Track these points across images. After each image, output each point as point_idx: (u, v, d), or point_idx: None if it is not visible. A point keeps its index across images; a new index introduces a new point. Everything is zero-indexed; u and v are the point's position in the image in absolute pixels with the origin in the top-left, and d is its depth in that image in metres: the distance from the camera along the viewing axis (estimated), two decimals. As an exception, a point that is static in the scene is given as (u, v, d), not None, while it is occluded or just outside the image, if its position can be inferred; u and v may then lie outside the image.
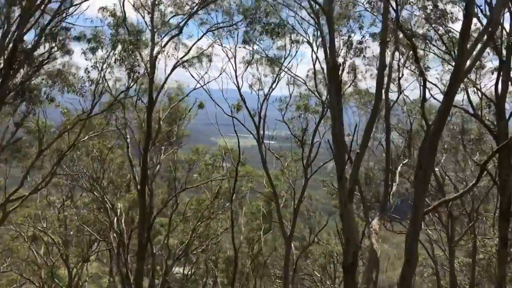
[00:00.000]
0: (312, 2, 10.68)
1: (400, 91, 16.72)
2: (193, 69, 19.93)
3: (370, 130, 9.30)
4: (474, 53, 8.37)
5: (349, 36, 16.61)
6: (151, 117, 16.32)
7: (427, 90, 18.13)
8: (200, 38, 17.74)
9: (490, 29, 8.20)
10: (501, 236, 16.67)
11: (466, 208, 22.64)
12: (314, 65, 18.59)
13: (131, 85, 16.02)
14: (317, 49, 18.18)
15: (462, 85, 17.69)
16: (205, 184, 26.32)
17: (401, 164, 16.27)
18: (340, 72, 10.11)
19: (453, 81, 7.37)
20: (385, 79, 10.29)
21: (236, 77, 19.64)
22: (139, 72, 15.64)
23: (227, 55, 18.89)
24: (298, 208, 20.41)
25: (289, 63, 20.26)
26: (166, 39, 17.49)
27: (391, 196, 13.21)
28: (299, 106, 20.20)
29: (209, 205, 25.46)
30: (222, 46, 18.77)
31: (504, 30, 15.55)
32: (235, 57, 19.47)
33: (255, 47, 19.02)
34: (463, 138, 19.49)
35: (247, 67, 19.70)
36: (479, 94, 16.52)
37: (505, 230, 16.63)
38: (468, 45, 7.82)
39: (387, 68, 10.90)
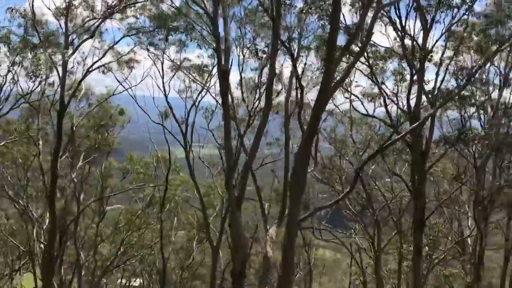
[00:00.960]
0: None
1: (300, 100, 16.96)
2: (121, 74, 19.52)
3: (258, 139, 9.26)
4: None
5: (255, 44, 16.70)
6: (61, 122, 15.69)
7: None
8: (116, 43, 17.38)
9: (364, 41, 8.34)
10: (416, 245, 17.12)
11: (393, 217, 23.18)
12: (240, 72, 18.56)
13: (34, 88, 15.42)
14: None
15: (381, 97, 18.27)
16: (137, 193, 25.74)
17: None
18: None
19: (323, 87, 7.36)
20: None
21: (163, 83, 19.35)
22: (45, 76, 15.07)
23: (153, 61, 18.58)
24: (226, 217, 20.21)
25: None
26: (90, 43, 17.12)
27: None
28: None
29: (139, 215, 24.85)
30: (148, 51, 18.42)
31: (416, 43, 16.10)
32: (162, 63, 19.19)
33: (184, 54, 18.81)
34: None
35: (175, 73, 19.42)
36: (397, 105, 16.97)
37: (419, 239, 17.10)
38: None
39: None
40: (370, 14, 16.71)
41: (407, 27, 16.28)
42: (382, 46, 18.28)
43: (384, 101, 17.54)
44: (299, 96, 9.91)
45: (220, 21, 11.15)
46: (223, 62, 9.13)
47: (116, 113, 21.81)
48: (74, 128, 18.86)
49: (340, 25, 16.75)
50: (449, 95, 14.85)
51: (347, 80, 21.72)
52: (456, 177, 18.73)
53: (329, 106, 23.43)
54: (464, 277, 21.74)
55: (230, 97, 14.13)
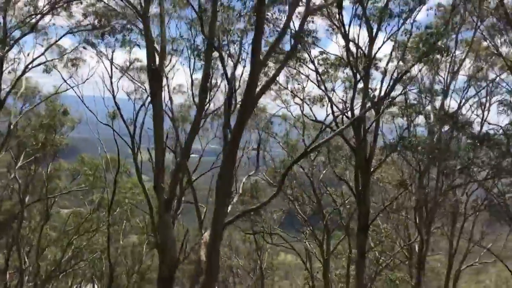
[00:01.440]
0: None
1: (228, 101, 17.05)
2: (68, 73, 19.01)
3: (191, 141, 9.16)
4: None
5: (196, 46, 16.66)
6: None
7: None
8: (57, 40, 16.91)
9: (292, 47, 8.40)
10: (359, 248, 17.40)
11: (343, 222, 23.51)
12: (191, 74, 18.42)
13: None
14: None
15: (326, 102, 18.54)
16: (86, 196, 25.10)
17: (247, 176, 16.48)
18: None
19: (249, 85, 7.31)
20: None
21: (111, 83, 18.93)
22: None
23: (100, 60, 18.14)
24: (173, 220, 19.93)
25: (169, 71, 19.84)
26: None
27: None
28: (176, 118, 19.86)
29: (87, 218, 24.19)
30: (96, 51, 18.00)
31: (361, 51, 16.43)
32: (111, 63, 18.78)
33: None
34: (330, 153, 20.33)
35: (123, 74, 19.04)
36: (341, 111, 17.22)
37: (363, 243, 17.38)
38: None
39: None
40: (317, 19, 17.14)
41: (355, 35, 16.75)
42: (333, 54, 18.64)
43: (331, 107, 17.81)
44: (233, 97, 9.86)
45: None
46: (157, 62, 9.01)
47: (63, 113, 21.12)
48: (11, 126, 18.17)
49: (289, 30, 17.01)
50: (382, 101, 15.15)
51: (298, 86, 22.11)
52: (401, 183, 19.13)
53: (283, 111, 23.82)
54: (409, 281, 22.27)
55: (169, 98, 14.03)
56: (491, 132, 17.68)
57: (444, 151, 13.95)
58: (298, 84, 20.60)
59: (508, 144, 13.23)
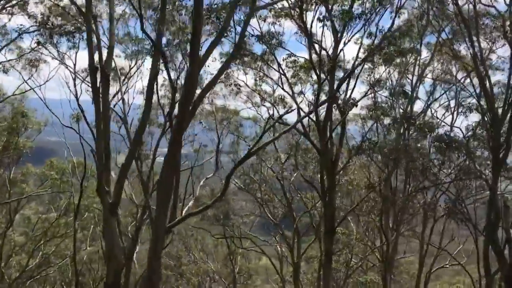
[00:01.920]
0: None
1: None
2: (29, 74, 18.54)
3: (135, 144, 8.90)
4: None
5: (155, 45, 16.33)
6: None
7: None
8: (12, 41, 16.42)
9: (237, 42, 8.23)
10: (326, 251, 17.31)
11: (314, 225, 23.42)
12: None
13: None
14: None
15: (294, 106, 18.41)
16: (53, 201, 24.52)
17: (205, 178, 16.29)
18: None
19: (186, 83, 7.09)
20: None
21: (75, 85, 18.47)
22: None
23: (59, 61, 17.63)
24: (140, 226, 19.60)
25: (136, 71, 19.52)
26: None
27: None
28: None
29: (53, 223, 23.61)
30: (58, 51, 17.53)
31: (326, 53, 16.40)
32: (75, 64, 18.34)
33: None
34: (298, 156, 20.25)
35: (87, 75, 18.58)
36: (305, 113, 17.11)
37: (329, 245, 17.29)
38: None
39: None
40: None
41: (321, 37, 16.71)
42: (301, 57, 18.57)
43: (298, 109, 17.71)
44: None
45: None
46: (103, 60, 8.75)
47: (22, 115, 20.59)
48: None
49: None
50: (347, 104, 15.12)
51: (268, 89, 22.00)
52: (369, 186, 19.09)
53: (254, 113, 23.69)
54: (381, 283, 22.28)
55: (121, 99, 13.73)
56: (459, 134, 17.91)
57: (404, 153, 13.90)
58: (270, 87, 20.57)
59: (467, 146, 13.27)
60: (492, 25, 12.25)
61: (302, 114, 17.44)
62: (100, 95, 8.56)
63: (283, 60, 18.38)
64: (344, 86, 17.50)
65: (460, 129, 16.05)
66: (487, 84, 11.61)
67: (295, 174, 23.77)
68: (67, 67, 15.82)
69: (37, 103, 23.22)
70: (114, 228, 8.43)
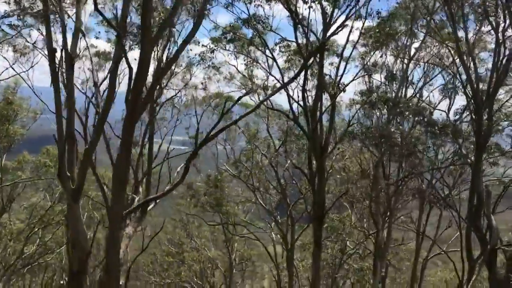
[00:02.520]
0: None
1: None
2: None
3: (99, 128, 8.69)
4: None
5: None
6: None
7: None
8: None
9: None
10: (315, 239, 17.11)
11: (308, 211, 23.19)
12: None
13: None
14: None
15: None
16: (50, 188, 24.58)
17: (182, 164, 16.05)
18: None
19: (138, 72, 6.86)
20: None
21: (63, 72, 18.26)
22: None
23: (33, 45, 17.28)
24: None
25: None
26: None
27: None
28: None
29: (47, 210, 23.65)
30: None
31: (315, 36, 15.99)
32: (62, 50, 18.09)
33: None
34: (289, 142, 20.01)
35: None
36: (292, 98, 16.83)
37: (319, 233, 17.09)
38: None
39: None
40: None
41: (308, 20, 16.29)
42: (292, 41, 18.17)
43: (287, 95, 17.42)
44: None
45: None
46: (64, 44, 8.53)
47: (8, 103, 20.50)
48: None
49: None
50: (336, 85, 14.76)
51: (261, 74, 21.65)
52: (361, 172, 18.81)
53: (246, 99, 23.35)
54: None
55: (94, 84, 13.53)
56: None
57: (388, 138, 13.55)
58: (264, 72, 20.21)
59: (455, 130, 12.89)
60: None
61: (292, 99, 17.18)
62: (63, 79, 8.36)
63: (275, 44, 18.04)
64: (335, 71, 17.22)
65: (446, 113, 15.61)
66: (471, 66, 11.21)
67: (289, 161, 23.55)
68: (40, 52, 15.60)
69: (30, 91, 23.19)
70: (78, 215, 8.28)
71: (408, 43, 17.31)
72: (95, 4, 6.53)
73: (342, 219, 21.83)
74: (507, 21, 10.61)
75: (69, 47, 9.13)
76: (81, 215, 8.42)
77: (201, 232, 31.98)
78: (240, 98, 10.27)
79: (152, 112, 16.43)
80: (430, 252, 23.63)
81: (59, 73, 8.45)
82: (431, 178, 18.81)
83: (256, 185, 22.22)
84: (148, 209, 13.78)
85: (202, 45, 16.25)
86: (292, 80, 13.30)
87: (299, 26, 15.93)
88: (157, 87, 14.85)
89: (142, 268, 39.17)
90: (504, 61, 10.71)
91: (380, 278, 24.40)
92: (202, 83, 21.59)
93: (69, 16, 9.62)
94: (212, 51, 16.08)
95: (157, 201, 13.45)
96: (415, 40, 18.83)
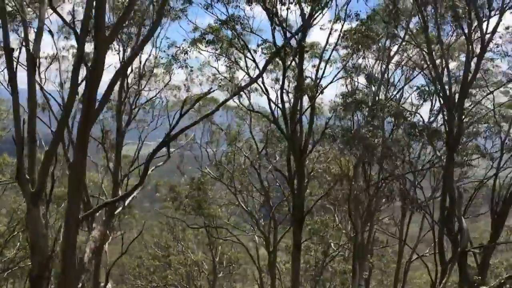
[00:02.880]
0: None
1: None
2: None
3: (60, 129, 8.50)
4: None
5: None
6: None
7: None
8: None
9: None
10: (295, 241, 17.02)
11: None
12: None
13: None
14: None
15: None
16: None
17: (154, 167, 15.91)
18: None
19: (92, 73, 6.65)
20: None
21: (39, 73, 17.99)
22: None
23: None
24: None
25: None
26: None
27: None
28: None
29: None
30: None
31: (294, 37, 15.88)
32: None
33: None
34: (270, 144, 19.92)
35: (52, 61, 18.17)
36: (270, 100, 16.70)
37: (298, 236, 16.99)
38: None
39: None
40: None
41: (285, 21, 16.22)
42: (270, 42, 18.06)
43: (267, 96, 17.29)
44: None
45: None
46: (26, 43, 8.34)
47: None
48: None
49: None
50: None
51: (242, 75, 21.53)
52: (341, 174, 18.71)
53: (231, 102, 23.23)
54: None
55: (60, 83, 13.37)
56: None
57: (361, 140, 13.46)
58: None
59: (429, 132, 12.84)
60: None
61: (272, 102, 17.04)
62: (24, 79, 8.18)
63: (258, 46, 17.92)
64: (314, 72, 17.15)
65: (420, 116, 15.58)
66: (445, 68, 11.17)
67: (271, 164, 23.44)
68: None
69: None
70: (38, 219, 8.08)
71: (387, 46, 17.26)
72: (50, 2, 6.35)
73: (324, 221, 21.71)
74: (475, 23, 10.60)
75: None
76: (41, 218, 8.22)
77: (186, 235, 31.72)
78: (215, 109, 10.08)
79: (119, 109, 16.21)
80: (413, 254, 23.60)
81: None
82: (414, 180, 18.80)
83: (238, 187, 22.07)
84: (115, 212, 13.61)
85: (182, 47, 16.14)
86: (257, 77, 13.24)
87: (278, 27, 15.88)
88: (117, 86, 14.66)
89: (128, 271, 38.87)
90: (475, 61, 10.70)
91: (364, 281, 24.44)
92: (184, 85, 21.45)
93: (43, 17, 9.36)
94: (186, 52, 15.94)
95: (125, 204, 13.29)
96: (397, 43, 18.87)
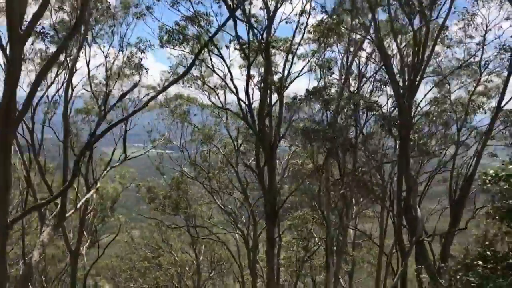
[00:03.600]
0: None
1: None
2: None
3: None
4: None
5: None
6: None
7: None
8: None
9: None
10: (269, 238, 16.95)
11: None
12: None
13: None
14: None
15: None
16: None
17: (109, 168, 15.80)
18: None
19: (9, 72, 6.51)
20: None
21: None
22: None
23: None
24: (84, 219, 19.20)
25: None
26: None
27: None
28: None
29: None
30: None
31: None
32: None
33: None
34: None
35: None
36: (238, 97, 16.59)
37: (271, 231, 16.92)
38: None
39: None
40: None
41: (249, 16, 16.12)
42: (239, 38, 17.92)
43: (236, 94, 17.19)
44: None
45: None
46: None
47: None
48: None
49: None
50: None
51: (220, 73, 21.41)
52: (316, 169, 18.63)
53: (204, 99, 23.05)
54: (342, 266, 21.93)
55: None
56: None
57: (325, 132, 13.38)
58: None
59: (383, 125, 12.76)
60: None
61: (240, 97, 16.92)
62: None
63: (230, 42, 17.81)
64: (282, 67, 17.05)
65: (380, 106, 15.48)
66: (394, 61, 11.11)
67: (251, 160, 23.34)
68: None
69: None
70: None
71: (354, 38, 17.15)
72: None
73: (302, 216, 21.60)
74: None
75: None
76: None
77: (169, 236, 31.66)
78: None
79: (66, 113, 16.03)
80: (393, 247, 23.54)
81: None
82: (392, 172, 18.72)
83: (215, 186, 21.98)
84: (66, 215, 13.45)
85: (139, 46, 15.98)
86: (185, 74, 12.95)
87: (240, 22, 15.81)
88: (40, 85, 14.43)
89: (119, 274, 38.78)
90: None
91: (348, 274, 24.40)
92: (159, 85, 21.32)
93: None
94: (142, 51, 15.85)
95: (77, 207, 13.13)
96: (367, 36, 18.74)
